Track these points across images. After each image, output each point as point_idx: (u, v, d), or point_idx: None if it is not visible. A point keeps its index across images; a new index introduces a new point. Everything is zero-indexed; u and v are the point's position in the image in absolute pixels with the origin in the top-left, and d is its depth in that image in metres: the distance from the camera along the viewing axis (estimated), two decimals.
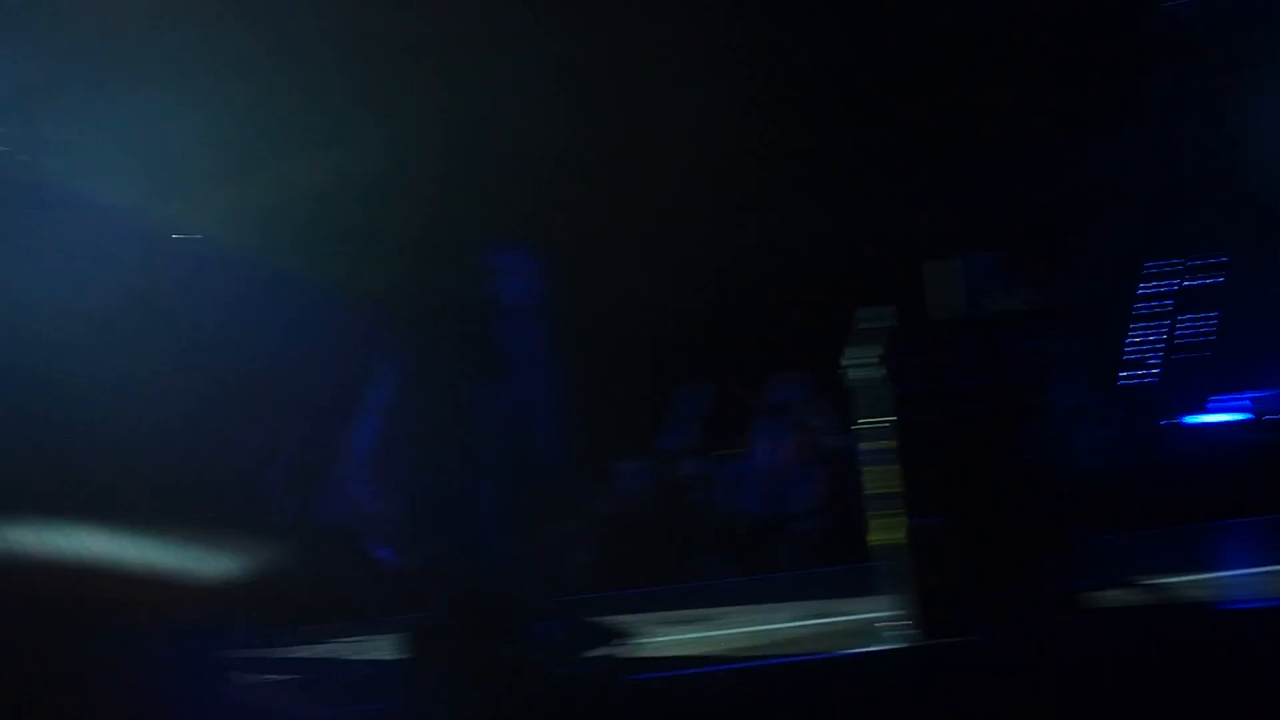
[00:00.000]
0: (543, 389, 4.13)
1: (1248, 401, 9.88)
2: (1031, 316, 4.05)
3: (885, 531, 4.07)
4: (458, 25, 5.91)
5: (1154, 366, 11.42)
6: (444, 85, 5.49)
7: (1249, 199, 9.98)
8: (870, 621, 4.34)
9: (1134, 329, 11.81)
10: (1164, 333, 11.68)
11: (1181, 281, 11.76)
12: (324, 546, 5.35)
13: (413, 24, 5.78)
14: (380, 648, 4.80)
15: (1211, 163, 10.38)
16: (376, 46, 5.72)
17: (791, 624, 4.67)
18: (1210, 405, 10.29)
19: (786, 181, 9.84)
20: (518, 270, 4.13)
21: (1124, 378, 11.23)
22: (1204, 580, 4.71)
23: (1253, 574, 4.87)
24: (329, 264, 4.32)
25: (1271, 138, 9.82)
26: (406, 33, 5.77)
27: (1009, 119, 10.23)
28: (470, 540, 3.98)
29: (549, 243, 4.44)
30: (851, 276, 7.84)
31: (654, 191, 9.19)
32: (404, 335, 4.30)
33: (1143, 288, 11.99)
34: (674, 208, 9.26)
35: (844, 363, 4.31)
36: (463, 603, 3.93)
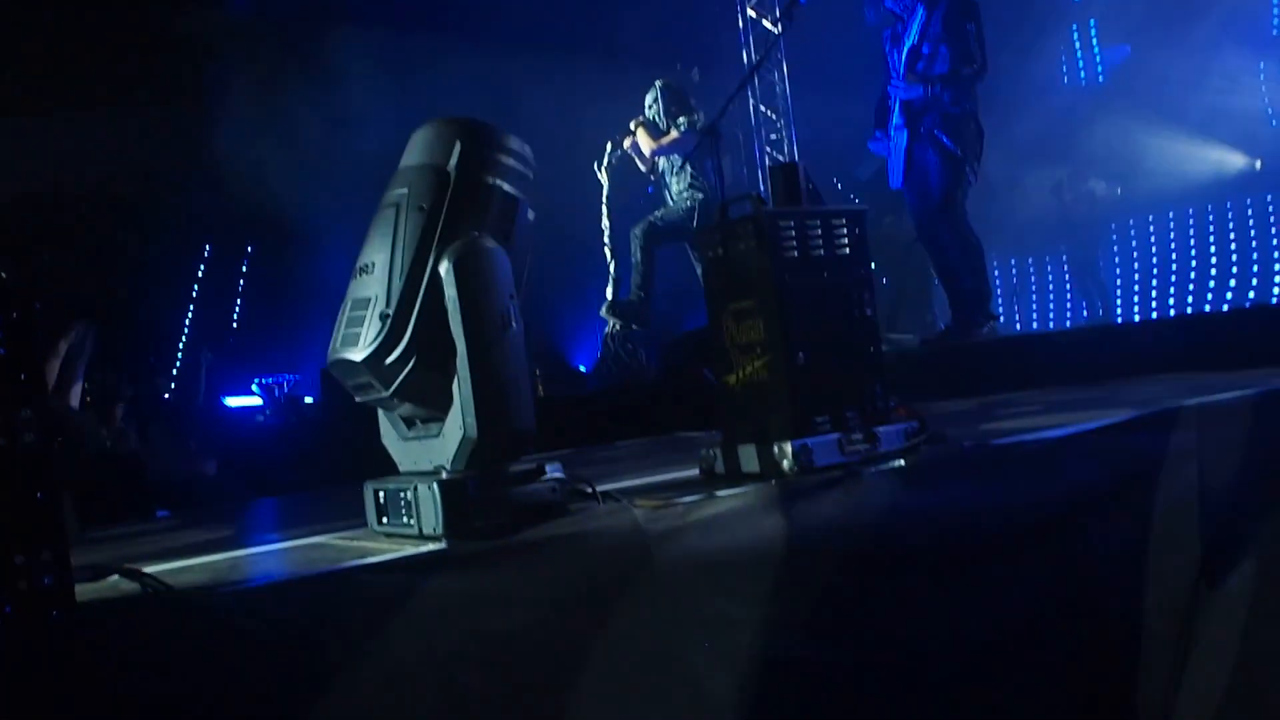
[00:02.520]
0: None
1: (269, 383, 10.46)
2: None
3: None
4: None
5: (183, 353, 11.59)
6: None
7: (272, 194, 10.49)
8: None
9: (180, 312, 11.90)
10: (215, 315, 11.95)
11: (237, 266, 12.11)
12: None
13: None
14: None
15: (247, 156, 10.74)
16: None
17: None
18: (249, 389, 10.73)
19: None
20: None
21: (157, 362, 11.26)
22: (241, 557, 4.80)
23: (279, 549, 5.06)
24: None
25: (291, 141, 10.44)
26: None
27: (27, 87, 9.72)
28: None
29: None
30: None
31: None
32: None
33: (196, 272, 12.16)
34: None
35: None
36: None
